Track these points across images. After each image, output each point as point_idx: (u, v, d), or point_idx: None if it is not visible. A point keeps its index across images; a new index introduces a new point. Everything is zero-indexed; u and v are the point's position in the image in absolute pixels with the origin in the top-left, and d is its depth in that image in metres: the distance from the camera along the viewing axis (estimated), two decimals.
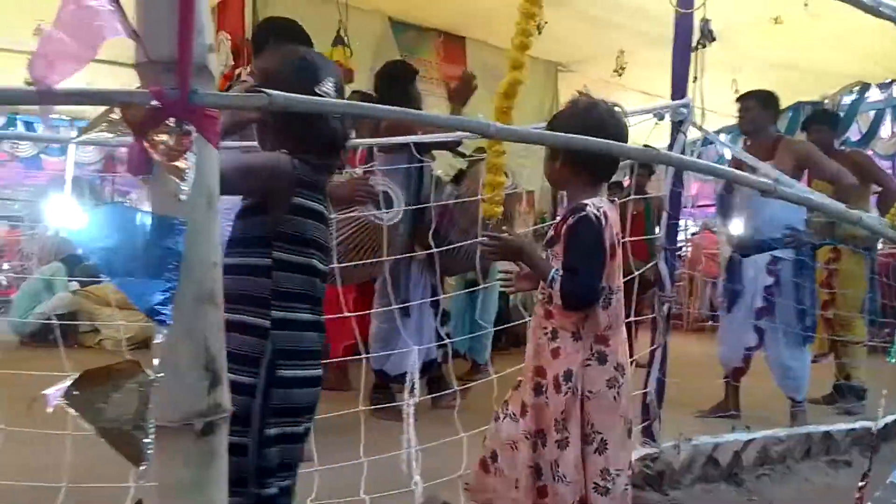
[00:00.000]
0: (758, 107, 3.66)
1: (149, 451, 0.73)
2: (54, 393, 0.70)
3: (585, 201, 1.64)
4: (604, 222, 1.62)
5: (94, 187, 9.26)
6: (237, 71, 4.67)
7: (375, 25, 5.90)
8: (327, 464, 2.04)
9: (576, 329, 1.63)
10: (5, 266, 9.46)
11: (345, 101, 1.08)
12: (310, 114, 1.27)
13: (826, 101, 7.52)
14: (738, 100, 3.79)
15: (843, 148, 4.78)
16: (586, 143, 1.02)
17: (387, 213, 2.82)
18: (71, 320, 4.99)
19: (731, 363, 3.63)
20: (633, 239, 2.46)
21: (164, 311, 0.74)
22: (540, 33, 4.84)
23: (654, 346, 2.58)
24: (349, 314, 2.44)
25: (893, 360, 1.64)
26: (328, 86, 1.36)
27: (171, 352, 0.79)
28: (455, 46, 6.58)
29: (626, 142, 1.69)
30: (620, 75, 6.47)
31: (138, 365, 0.73)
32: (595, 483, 1.60)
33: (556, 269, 1.62)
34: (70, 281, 5.98)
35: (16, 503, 1.96)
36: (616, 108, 1.74)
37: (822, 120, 4.56)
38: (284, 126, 1.41)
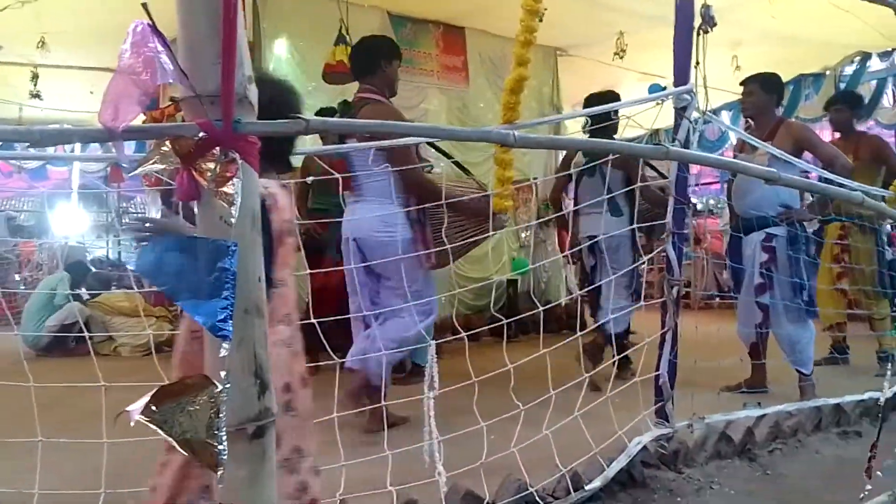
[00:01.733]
0: (759, 91, 3.76)
1: (223, 458, 0.79)
2: (135, 409, 0.77)
3: None
4: (270, 206, 1.42)
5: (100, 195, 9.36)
6: None
7: (374, 21, 5.92)
8: (352, 458, 2.10)
9: None
10: (17, 277, 9.53)
11: (375, 121, 1.13)
12: None
13: (827, 73, 7.54)
14: (741, 83, 3.86)
15: (863, 129, 4.90)
16: (601, 146, 1.07)
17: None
18: (84, 329, 5.08)
19: (747, 340, 3.74)
20: None
21: (225, 327, 0.81)
22: (541, 21, 4.87)
23: (665, 328, 2.64)
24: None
25: (893, 333, 1.70)
26: None
27: (225, 361, 0.86)
28: (454, 37, 6.60)
29: (300, 111, 1.47)
30: (622, 58, 6.47)
31: (207, 379, 0.80)
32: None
33: None
34: (76, 291, 6.05)
35: None
36: (285, 79, 1.54)
37: (843, 100, 4.74)
38: None
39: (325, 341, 2.23)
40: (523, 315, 3.45)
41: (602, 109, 2.52)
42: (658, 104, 2.83)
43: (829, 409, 3.21)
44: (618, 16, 5.96)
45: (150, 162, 0.82)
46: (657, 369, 2.64)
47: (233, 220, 0.83)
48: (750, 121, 3.88)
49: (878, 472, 1.65)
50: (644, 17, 5.63)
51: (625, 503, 2.37)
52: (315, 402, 3.29)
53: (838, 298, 4.50)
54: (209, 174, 0.83)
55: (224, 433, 0.83)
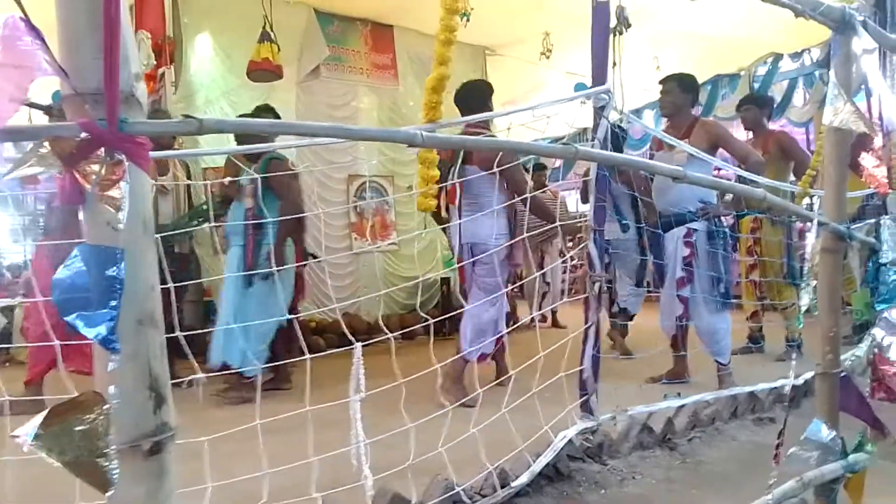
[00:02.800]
0: (677, 90, 3.87)
1: (115, 477, 0.76)
2: (25, 435, 0.72)
3: None
4: None
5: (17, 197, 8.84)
6: (160, 70, 4.55)
7: (300, 18, 5.82)
8: (277, 465, 2.05)
9: None
10: None
11: (270, 120, 1.09)
12: None
13: (742, 73, 7.87)
14: (660, 82, 3.97)
15: (772, 128, 5.16)
16: (509, 145, 1.08)
17: None
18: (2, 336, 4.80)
19: (669, 333, 3.87)
20: None
21: (113, 338, 0.77)
22: (468, 20, 4.91)
23: (588, 323, 2.69)
24: None
25: (799, 324, 1.78)
26: None
27: (116, 375, 0.81)
28: (383, 35, 6.56)
29: None
30: (548, 57, 6.58)
31: (98, 395, 0.76)
32: None
33: None
34: None
35: None
36: None
37: (752, 101, 5.04)
38: None
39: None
40: (451, 314, 3.46)
41: (523, 109, 2.55)
42: (583, 103, 2.87)
43: (744, 396, 3.35)
44: (543, 16, 6.05)
45: (27, 164, 0.77)
46: (581, 363, 2.69)
47: (121, 226, 0.79)
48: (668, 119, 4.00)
49: (784, 458, 1.72)
50: (568, 17, 5.74)
51: (551, 497, 2.40)
52: (235, 408, 3.20)
53: (751, 290, 4.76)
54: (93, 177, 0.79)
55: (114, 452, 0.79)
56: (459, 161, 3.57)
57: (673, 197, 3.76)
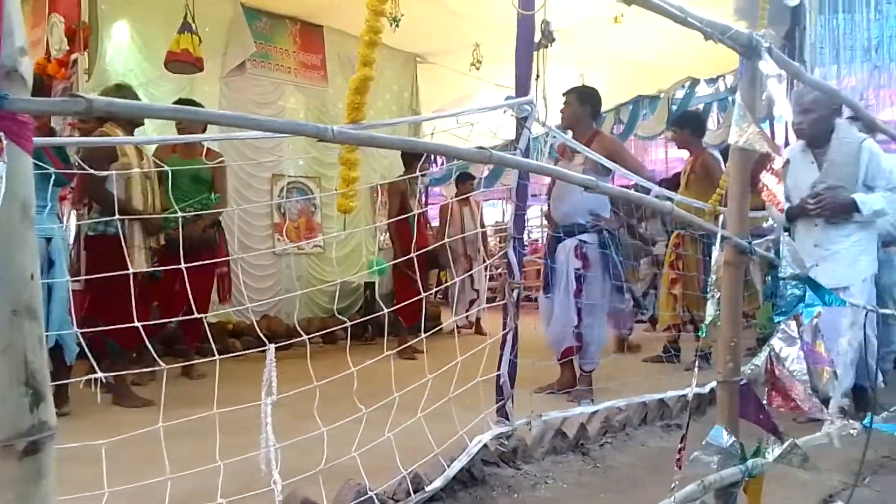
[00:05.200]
0: (575, 102, 3.91)
1: None
2: None
3: None
4: None
5: None
6: (73, 56, 4.33)
7: (225, 10, 5.67)
8: (184, 470, 1.97)
9: None
10: None
11: (172, 105, 1.05)
12: None
13: (662, 95, 8.21)
14: (563, 94, 3.99)
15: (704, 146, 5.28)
16: (422, 146, 1.07)
17: None
18: None
19: (560, 343, 3.76)
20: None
21: None
22: (398, 26, 4.90)
23: (506, 329, 2.72)
24: None
25: (703, 334, 1.85)
26: None
27: None
28: (312, 35, 6.48)
29: None
30: (478, 69, 6.64)
31: None
32: None
33: None
34: None
35: None
36: None
37: (680, 121, 5.23)
38: None
39: (151, 346, 2.09)
40: (369, 317, 3.43)
41: (447, 115, 2.56)
42: (511, 115, 2.90)
43: (654, 403, 3.46)
44: (473, 27, 6.11)
45: None
46: (498, 369, 2.71)
47: None
48: (570, 130, 4.03)
49: (687, 462, 1.78)
50: (498, 30, 5.82)
51: (465, 502, 2.40)
52: (143, 412, 3.08)
53: (671, 302, 4.91)
54: None
55: None
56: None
57: (569, 207, 3.77)
